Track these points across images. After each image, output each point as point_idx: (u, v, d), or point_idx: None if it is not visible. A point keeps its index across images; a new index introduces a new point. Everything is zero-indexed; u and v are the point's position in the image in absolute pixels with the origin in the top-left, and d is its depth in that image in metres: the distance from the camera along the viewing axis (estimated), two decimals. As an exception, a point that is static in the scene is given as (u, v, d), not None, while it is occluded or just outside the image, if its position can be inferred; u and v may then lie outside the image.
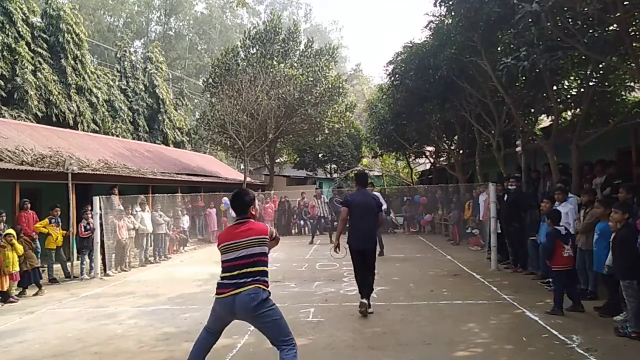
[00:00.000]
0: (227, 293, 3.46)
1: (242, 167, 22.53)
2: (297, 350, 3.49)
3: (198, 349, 3.65)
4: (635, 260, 4.67)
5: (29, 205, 9.27)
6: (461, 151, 15.77)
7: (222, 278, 3.53)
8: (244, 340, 4.97)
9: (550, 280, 7.03)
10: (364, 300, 5.69)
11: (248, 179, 20.43)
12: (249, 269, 3.46)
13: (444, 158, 19.32)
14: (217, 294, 3.55)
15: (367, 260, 5.87)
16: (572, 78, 9.38)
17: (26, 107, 18.61)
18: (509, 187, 8.67)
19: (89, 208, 9.50)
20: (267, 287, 3.58)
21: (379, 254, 9.60)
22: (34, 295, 7.74)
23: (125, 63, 28.13)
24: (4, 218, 8.12)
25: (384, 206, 10.25)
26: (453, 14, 9.21)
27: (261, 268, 3.56)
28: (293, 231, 17.26)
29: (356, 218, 5.79)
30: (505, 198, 8.75)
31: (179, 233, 13.00)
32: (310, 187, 23.17)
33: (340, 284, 7.76)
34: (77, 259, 9.91)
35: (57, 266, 9.22)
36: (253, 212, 3.70)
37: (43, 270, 8.60)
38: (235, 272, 3.46)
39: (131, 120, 26.61)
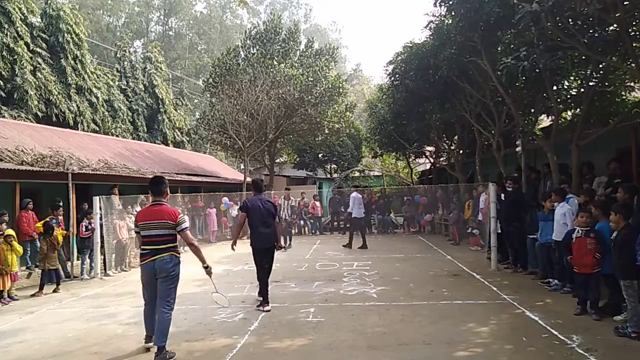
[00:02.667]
0: (148, 259, 4.61)
1: (242, 167, 22.52)
2: (172, 316, 4.66)
3: (148, 318, 4.78)
4: (635, 261, 4.67)
5: (31, 206, 9.28)
6: (461, 151, 15.76)
7: (144, 249, 4.68)
8: (244, 340, 4.97)
9: (550, 280, 7.06)
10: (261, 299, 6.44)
11: (248, 179, 20.42)
12: (164, 245, 4.62)
13: (444, 158, 19.31)
14: (141, 262, 4.71)
15: (268, 258, 6.53)
16: (572, 78, 9.37)
17: (26, 107, 18.61)
18: (507, 188, 8.70)
19: (86, 207, 9.51)
20: (179, 254, 4.78)
21: (288, 247, 12.29)
22: (32, 295, 7.72)
23: (125, 63, 28.14)
24: (7, 219, 8.11)
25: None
26: (453, 14, 9.19)
27: (173, 244, 4.70)
28: (293, 231, 17.24)
29: (255, 221, 6.40)
30: (503, 198, 8.77)
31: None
32: (311, 187, 23.17)
33: (340, 284, 7.77)
34: (77, 259, 9.91)
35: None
36: (168, 194, 4.90)
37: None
38: (154, 247, 4.61)
39: (131, 120, 26.62)
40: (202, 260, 4.90)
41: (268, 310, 6.15)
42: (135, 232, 4.86)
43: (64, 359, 4.66)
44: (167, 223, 4.61)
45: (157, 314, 4.59)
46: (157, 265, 4.57)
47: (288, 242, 12.78)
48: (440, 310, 5.93)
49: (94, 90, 22.89)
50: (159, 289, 4.61)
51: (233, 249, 6.71)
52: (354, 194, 12.66)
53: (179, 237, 4.78)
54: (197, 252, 4.84)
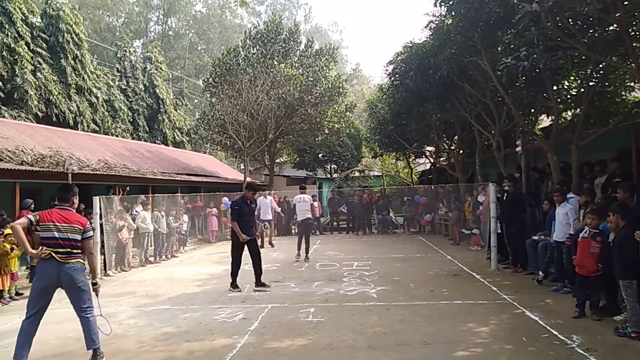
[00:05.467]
0: (50, 264, 4.28)
1: (242, 167, 22.53)
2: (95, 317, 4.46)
3: (27, 336, 4.30)
4: (635, 261, 4.67)
5: (33, 206, 9.26)
6: (461, 151, 15.76)
7: (54, 252, 4.31)
8: (244, 340, 4.97)
9: (542, 273, 7.09)
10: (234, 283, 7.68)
11: (248, 179, 20.42)
12: (70, 249, 4.36)
13: (444, 158, 19.31)
14: (38, 265, 4.47)
15: (254, 247, 7.76)
16: (572, 78, 9.37)
17: (26, 107, 18.62)
18: (505, 188, 8.70)
19: (82, 207, 9.49)
20: (84, 261, 4.53)
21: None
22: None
23: (125, 63, 28.14)
24: (5, 218, 8.10)
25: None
26: (453, 14, 9.19)
27: (78, 250, 4.45)
28: (293, 231, 17.25)
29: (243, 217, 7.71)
30: (505, 198, 8.76)
31: (178, 233, 13.03)
32: (311, 187, 23.16)
33: (340, 284, 7.76)
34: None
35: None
36: (75, 203, 4.77)
37: None
38: (64, 250, 4.32)
39: (131, 120, 26.62)
40: (94, 275, 4.69)
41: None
42: (35, 232, 4.57)
43: (63, 359, 4.66)
44: (76, 228, 4.42)
45: (81, 322, 4.42)
46: (63, 272, 4.28)
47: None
48: (440, 310, 5.92)
49: (94, 90, 22.89)
50: (71, 299, 4.40)
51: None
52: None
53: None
54: (93, 263, 4.67)
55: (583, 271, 5.41)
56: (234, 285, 7.64)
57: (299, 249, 10.58)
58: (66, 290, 4.40)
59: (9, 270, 7.31)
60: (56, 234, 4.33)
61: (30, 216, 4.42)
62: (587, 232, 5.44)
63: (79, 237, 4.43)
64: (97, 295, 4.65)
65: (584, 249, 5.41)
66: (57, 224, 4.37)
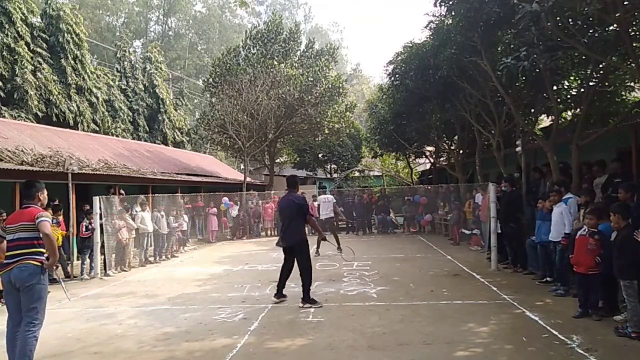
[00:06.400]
0: (6, 269, 4.09)
1: (242, 167, 22.53)
2: (39, 334, 4.10)
3: (10, 342, 4.12)
4: (635, 261, 4.67)
5: None
6: (461, 151, 15.76)
7: (6, 257, 4.16)
8: (244, 340, 4.97)
9: (548, 279, 7.06)
10: (280, 296, 6.61)
11: (248, 179, 20.43)
12: (23, 250, 4.10)
13: (444, 158, 19.30)
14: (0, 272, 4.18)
15: (296, 256, 6.45)
16: (572, 78, 9.36)
17: (26, 107, 18.63)
18: (502, 188, 8.70)
19: (87, 207, 9.52)
20: (41, 263, 4.15)
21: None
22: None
23: (125, 63, 28.15)
24: (4, 217, 8.10)
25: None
26: (453, 14, 9.18)
27: (35, 249, 4.14)
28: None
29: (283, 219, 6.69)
30: (505, 198, 8.76)
31: (179, 233, 13.04)
32: (311, 187, 23.16)
33: (340, 284, 7.76)
34: (77, 259, 9.91)
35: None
36: (41, 199, 4.40)
37: None
38: (14, 252, 4.11)
39: (131, 120, 26.64)
40: (51, 264, 4.29)
41: (314, 306, 6.22)
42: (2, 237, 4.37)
43: (63, 359, 4.66)
44: (25, 225, 4.12)
45: (20, 333, 4.02)
46: (14, 275, 4.03)
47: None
48: (440, 310, 5.92)
49: (94, 90, 22.90)
50: (22, 302, 4.07)
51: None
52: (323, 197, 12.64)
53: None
54: (50, 243, 4.16)
55: (581, 269, 5.42)
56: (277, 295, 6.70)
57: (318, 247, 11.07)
58: (19, 294, 4.11)
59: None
60: (14, 236, 4.16)
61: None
62: (586, 230, 5.47)
63: (30, 234, 4.12)
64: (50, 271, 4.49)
65: (581, 246, 5.44)
66: (12, 224, 4.21)
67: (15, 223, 4.21)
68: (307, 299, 6.29)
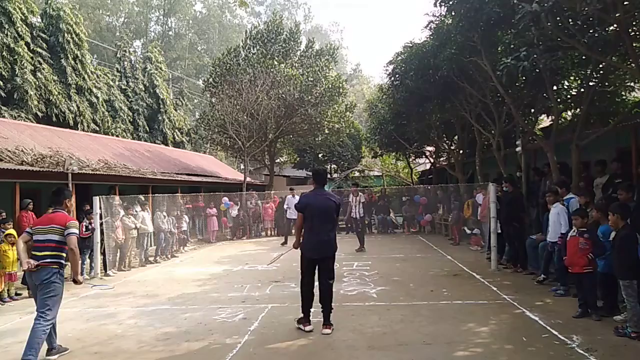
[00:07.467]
0: (32, 270, 4.38)
1: (242, 167, 22.53)
2: (50, 326, 4.41)
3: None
4: (635, 260, 4.67)
5: (31, 206, 9.27)
6: (461, 151, 15.76)
7: (33, 256, 4.45)
8: (244, 340, 4.97)
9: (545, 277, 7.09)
10: (307, 324, 5.19)
11: (248, 179, 20.43)
12: (51, 252, 4.45)
13: (444, 158, 19.30)
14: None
15: (327, 269, 5.43)
16: (572, 78, 9.36)
17: (26, 107, 18.62)
18: (504, 189, 8.71)
19: (88, 207, 9.50)
20: (60, 268, 4.53)
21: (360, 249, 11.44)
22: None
23: (125, 63, 28.15)
24: (4, 217, 8.10)
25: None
26: (453, 14, 9.18)
27: (59, 253, 4.51)
28: (293, 231, 17.23)
29: (314, 224, 5.30)
30: (507, 198, 8.76)
31: (179, 233, 13.04)
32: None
33: (340, 284, 7.75)
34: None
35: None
36: (68, 205, 4.87)
37: None
38: (43, 252, 4.43)
39: (131, 120, 26.63)
40: (75, 272, 4.68)
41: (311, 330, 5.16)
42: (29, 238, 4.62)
43: (64, 359, 4.66)
44: (57, 228, 4.49)
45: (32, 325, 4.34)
46: (34, 274, 4.41)
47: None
48: (440, 310, 5.92)
49: (94, 90, 22.89)
50: (37, 298, 4.47)
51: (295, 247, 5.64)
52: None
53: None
54: (74, 258, 4.59)
55: (576, 269, 5.44)
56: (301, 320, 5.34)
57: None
58: (39, 293, 4.45)
59: (3, 272, 7.29)
60: (40, 237, 4.52)
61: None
62: (575, 231, 5.53)
63: (56, 237, 4.49)
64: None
65: (572, 246, 5.48)
66: (41, 226, 4.58)
67: (47, 225, 4.54)
68: (329, 320, 5.26)
